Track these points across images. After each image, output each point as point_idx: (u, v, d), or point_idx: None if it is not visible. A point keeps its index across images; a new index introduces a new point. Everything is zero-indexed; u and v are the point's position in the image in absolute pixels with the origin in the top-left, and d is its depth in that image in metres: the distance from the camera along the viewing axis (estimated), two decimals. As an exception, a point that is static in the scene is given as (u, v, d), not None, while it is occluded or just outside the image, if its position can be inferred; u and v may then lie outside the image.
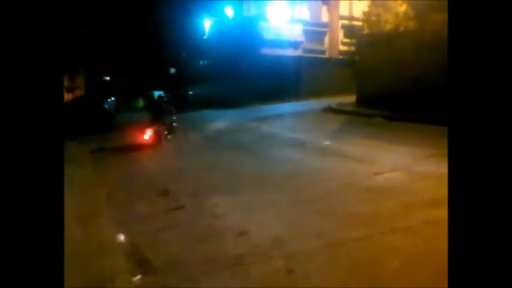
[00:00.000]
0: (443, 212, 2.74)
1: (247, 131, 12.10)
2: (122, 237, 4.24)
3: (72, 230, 4.02)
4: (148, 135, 10.18)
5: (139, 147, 9.99)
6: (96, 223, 4.63)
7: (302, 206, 4.87)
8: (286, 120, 13.90)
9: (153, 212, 5.07)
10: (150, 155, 9.65)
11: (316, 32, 24.31)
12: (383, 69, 13.52)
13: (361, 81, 15.39)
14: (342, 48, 24.25)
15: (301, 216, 4.55)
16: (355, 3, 22.80)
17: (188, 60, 27.51)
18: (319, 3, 24.52)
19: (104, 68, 27.23)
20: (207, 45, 24.13)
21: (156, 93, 15.96)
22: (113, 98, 20.11)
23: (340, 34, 24.61)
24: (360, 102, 15.01)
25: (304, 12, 23.97)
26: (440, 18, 10.03)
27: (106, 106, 17.85)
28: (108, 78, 28.40)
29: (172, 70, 29.25)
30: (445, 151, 2.01)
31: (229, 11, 23.00)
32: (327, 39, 24.93)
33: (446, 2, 2.01)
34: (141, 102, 26.75)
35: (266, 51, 21.38)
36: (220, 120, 14.56)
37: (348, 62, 19.28)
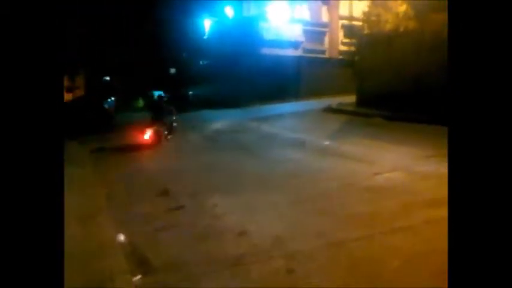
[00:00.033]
0: (443, 212, 2.74)
1: (247, 131, 12.09)
2: (121, 237, 4.24)
3: (72, 230, 4.02)
4: (148, 135, 10.17)
5: (139, 147, 9.99)
6: (96, 223, 4.62)
7: (302, 206, 4.88)
8: (286, 120, 13.89)
9: (153, 212, 5.07)
10: (150, 155, 9.64)
11: (316, 32, 24.32)
12: (383, 69, 13.50)
13: (361, 81, 15.36)
14: (342, 48, 24.20)
15: (301, 216, 4.55)
16: (355, 3, 22.79)
17: (188, 60, 27.54)
18: (319, 3, 24.53)
19: (104, 68, 27.26)
20: (207, 45, 24.15)
21: (156, 93, 16.00)
22: (113, 98, 20.11)
23: (340, 34, 24.58)
24: (360, 102, 14.99)
25: (304, 12, 23.98)
26: (440, 18, 10.02)
27: (106, 106, 17.85)
28: (108, 78, 28.43)
29: (172, 70, 29.29)
30: (445, 151, 2.01)
31: (229, 11, 23.02)
32: (327, 39, 24.94)
33: (446, 2, 2.01)
34: (141, 102, 26.78)
35: (266, 51, 21.37)
36: (220, 120, 14.55)
37: (348, 62, 19.23)
